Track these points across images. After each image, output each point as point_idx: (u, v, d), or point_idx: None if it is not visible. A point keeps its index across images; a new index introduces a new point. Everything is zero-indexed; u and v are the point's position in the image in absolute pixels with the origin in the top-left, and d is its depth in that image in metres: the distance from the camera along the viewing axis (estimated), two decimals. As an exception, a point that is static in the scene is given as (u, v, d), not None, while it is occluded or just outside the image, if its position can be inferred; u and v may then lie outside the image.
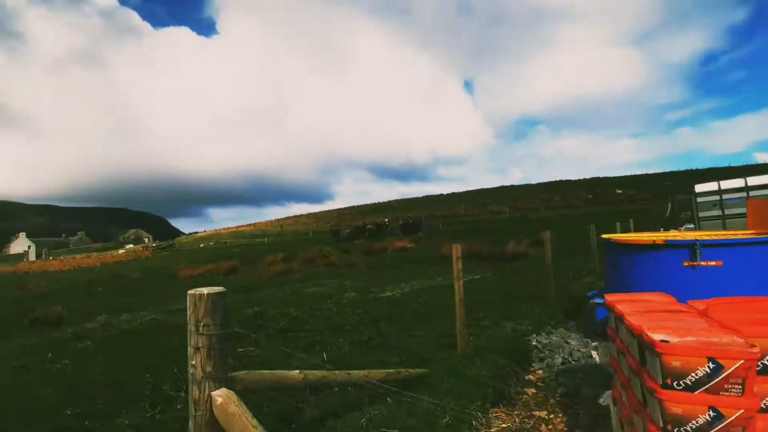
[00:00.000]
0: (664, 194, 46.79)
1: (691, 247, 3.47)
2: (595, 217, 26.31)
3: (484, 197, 72.11)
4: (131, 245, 79.53)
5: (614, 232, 19.23)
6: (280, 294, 8.35)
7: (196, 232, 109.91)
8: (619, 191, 50.35)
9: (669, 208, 23.54)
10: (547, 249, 5.91)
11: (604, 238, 4.69)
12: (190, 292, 2.07)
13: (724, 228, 9.47)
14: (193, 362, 1.97)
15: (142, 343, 5.27)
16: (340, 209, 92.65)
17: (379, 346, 4.42)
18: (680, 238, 3.78)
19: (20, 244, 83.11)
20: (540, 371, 3.92)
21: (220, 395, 1.93)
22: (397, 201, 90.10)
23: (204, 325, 1.98)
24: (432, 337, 4.68)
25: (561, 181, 79.18)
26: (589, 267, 9.14)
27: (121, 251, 64.44)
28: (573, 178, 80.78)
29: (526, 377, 3.79)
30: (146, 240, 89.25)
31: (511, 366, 3.85)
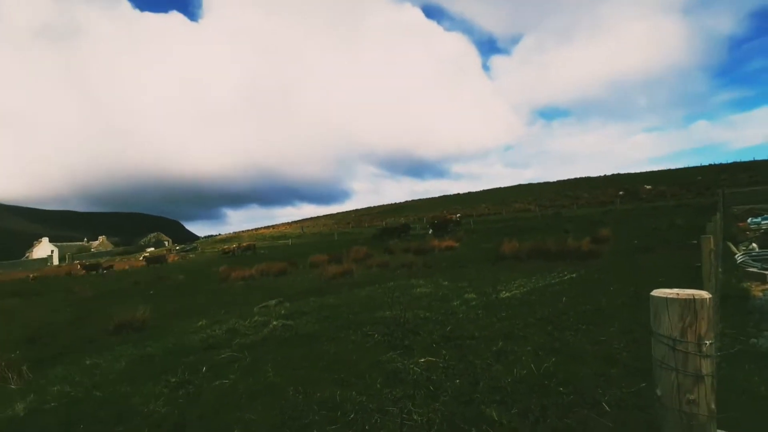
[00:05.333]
0: (697, 189, 45.47)
1: None
2: (641, 213, 25.44)
3: (502, 195, 71.05)
4: (153, 248, 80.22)
5: (673, 227, 18.34)
6: (379, 294, 7.84)
7: (212, 236, 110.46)
8: (648, 187, 49.11)
9: (721, 203, 22.69)
10: (709, 243, 5.22)
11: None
12: (665, 293, 1.50)
13: None
14: (692, 396, 1.47)
15: (315, 357, 4.49)
16: (357, 210, 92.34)
17: (576, 355, 3.89)
18: None
19: (43, 249, 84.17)
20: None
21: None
22: (414, 201, 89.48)
23: (709, 344, 1.48)
24: (624, 344, 4.14)
25: (581, 179, 77.64)
26: (694, 264, 8.44)
27: (145, 254, 64.95)
28: (593, 175, 79.12)
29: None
30: (166, 243, 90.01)
31: None
